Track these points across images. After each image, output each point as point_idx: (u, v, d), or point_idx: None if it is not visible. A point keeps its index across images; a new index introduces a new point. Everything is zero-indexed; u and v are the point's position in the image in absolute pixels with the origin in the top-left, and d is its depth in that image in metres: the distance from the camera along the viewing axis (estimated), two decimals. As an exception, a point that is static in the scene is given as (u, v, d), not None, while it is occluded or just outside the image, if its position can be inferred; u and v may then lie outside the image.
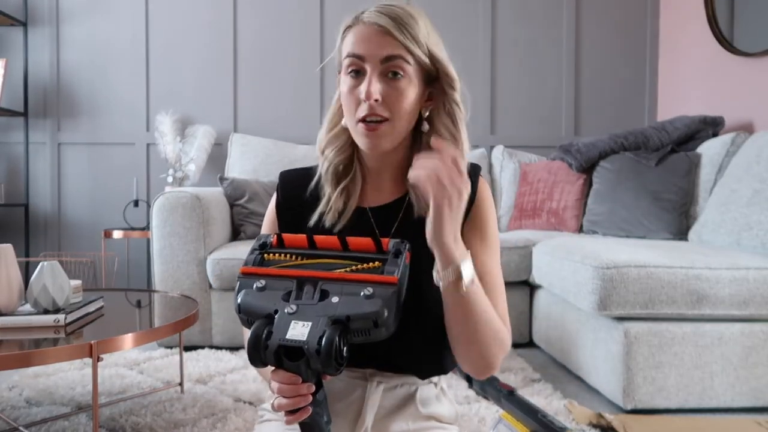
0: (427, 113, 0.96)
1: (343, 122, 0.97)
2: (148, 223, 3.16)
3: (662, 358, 1.92)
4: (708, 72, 3.31)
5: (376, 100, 0.88)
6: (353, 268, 0.80)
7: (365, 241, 0.82)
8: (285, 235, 0.83)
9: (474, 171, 0.98)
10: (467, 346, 0.89)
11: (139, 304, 2.13)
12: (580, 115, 3.83)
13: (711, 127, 2.95)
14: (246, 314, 0.77)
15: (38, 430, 1.75)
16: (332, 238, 0.82)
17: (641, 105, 3.84)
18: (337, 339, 0.72)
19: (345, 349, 0.74)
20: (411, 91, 0.91)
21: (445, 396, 1.05)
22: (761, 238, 2.16)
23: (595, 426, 1.79)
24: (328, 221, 0.97)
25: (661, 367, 1.92)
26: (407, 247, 0.81)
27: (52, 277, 1.62)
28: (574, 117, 3.81)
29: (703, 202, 2.69)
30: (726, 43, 3.11)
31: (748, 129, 2.90)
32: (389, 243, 0.81)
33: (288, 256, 0.82)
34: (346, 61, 0.92)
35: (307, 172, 1.03)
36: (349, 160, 0.99)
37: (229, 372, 2.28)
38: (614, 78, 3.82)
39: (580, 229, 3.01)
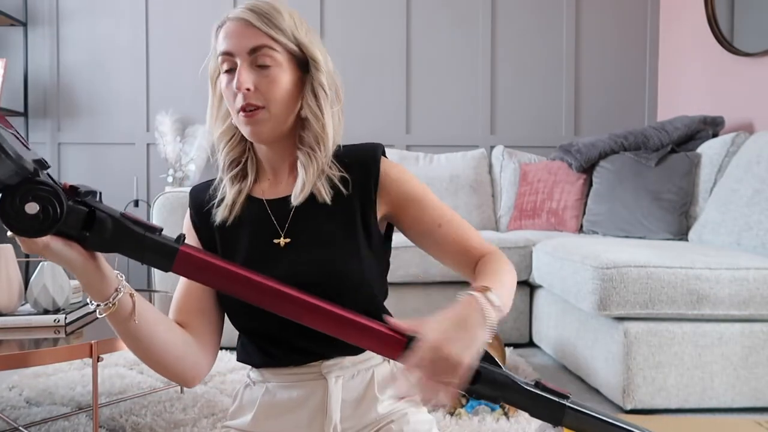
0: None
1: (232, 120, 0.99)
2: (148, 223, 3.15)
3: (662, 358, 1.92)
4: (708, 72, 3.31)
5: (248, 89, 0.92)
6: None
7: None
8: None
9: (372, 151, 1.01)
10: None
11: (139, 304, 2.13)
12: (580, 115, 3.83)
13: (711, 127, 2.95)
14: None
15: (38, 430, 1.74)
16: None
17: (641, 105, 3.84)
18: None
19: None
20: (283, 78, 0.94)
21: (398, 370, 1.06)
22: (761, 238, 2.16)
23: (595, 426, 1.79)
24: (219, 215, 0.99)
25: (661, 367, 1.92)
26: None
27: (52, 277, 1.62)
28: (574, 117, 3.81)
29: (703, 202, 2.69)
30: (726, 43, 3.11)
31: (748, 129, 2.90)
32: None
33: None
34: (219, 60, 0.96)
35: (213, 183, 1.06)
36: (241, 153, 1.03)
37: (229, 372, 2.28)
38: (614, 78, 3.82)
39: (580, 229, 3.01)
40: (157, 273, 2.66)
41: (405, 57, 3.74)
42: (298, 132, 0.99)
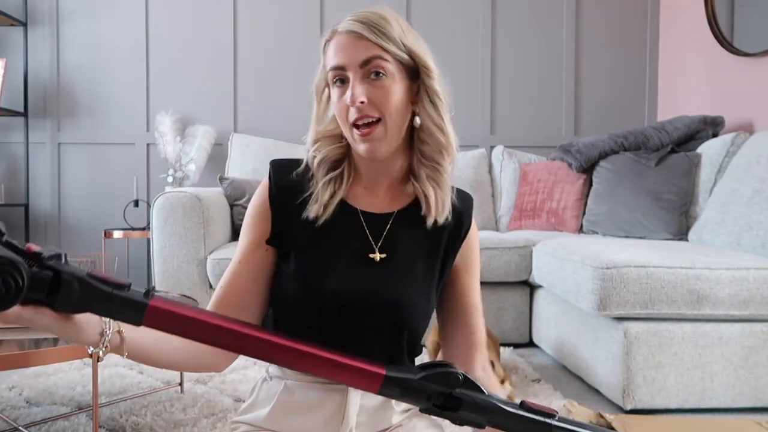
0: (418, 109, 0.96)
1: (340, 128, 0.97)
2: (148, 223, 3.16)
3: (662, 358, 1.92)
4: (708, 72, 3.31)
5: (362, 102, 0.90)
6: None
7: None
8: None
9: (468, 203, 1.03)
10: None
11: (139, 304, 2.13)
12: (580, 115, 3.83)
13: (711, 127, 2.95)
14: None
15: (38, 430, 1.74)
16: None
17: (641, 105, 3.84)
18: None
19: None
20: (396, 89, 0.92)
21: None
22: (761, 238, 2.16)
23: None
24: (312, 212, 0.95)
25: (661, 367, 1.92)
26: None
27: (52, 277, 1.62)
28: (574, 117, 3.81)
29: (703, 202, 2.69)
30: (726, 43, 3.11)
31: (748, 129, 2.90)
32: None
33: None
34: (330, 75, 0.94)
35: (299, 164, 1.01)
36: (342, 156, 0.99)
37: (229, 372, 2.28)
38: (614, 78, 3.82)
39: (580, 229, 3.01)
40: (157, 273, 2.66)
41: (405, 57, 3.74)
42: (417, 146, 0.97)
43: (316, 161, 0.98)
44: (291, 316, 0.98)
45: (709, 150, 2.77)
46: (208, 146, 3.55)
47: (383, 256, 0.96)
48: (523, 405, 0.79)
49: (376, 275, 0.96)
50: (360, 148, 0.93)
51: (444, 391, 0.75)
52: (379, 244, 0.97)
